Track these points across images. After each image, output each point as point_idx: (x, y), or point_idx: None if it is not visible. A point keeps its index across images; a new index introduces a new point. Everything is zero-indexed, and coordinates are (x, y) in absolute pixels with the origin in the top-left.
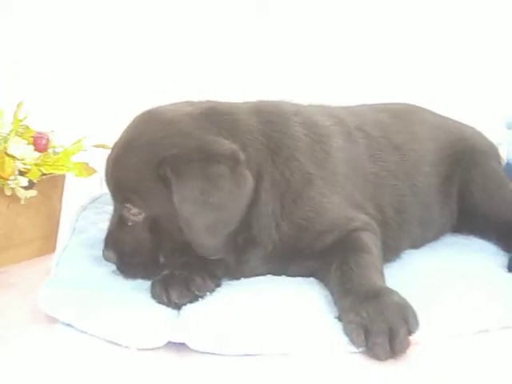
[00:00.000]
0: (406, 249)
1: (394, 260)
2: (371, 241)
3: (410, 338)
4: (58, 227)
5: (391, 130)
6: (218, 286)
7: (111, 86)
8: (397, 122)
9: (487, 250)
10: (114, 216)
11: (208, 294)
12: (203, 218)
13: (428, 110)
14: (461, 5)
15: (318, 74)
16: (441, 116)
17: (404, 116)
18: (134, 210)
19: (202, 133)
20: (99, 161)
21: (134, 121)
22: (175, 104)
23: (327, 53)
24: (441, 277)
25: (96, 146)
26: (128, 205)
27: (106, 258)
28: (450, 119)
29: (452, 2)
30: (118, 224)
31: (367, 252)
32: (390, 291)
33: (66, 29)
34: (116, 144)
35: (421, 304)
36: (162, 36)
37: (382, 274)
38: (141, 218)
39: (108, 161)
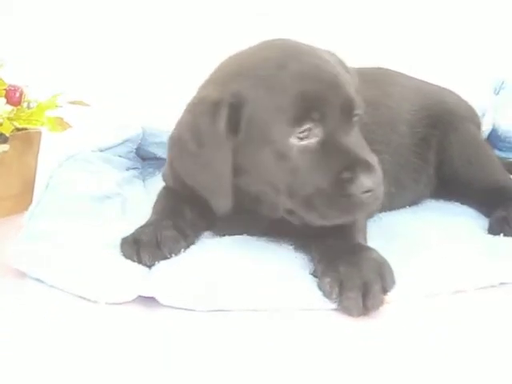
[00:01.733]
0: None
1: (371, 217)
2: None
3: (385, 296)
4: (32, 185)
5: (361, 88)
6: (192, 243)
7: (90, 42)
8: (368, 84)
9: (468, 214)
10: (352, 135)
11: (180, 252)
12: None
13: (403, 74)
14: None
15: None
16: (417, 79)
17: (376, 79)
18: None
19: None
20: (75, 118)
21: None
22: None
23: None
24: (420, 237)
25: (72, 103)
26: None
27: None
28: (427, 82)
29: None
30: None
31: None
32: (369, 248)
33: None
34: (311, 64)
35: (398, 263)
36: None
37: (364, 233)
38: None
39: (329, 76)
